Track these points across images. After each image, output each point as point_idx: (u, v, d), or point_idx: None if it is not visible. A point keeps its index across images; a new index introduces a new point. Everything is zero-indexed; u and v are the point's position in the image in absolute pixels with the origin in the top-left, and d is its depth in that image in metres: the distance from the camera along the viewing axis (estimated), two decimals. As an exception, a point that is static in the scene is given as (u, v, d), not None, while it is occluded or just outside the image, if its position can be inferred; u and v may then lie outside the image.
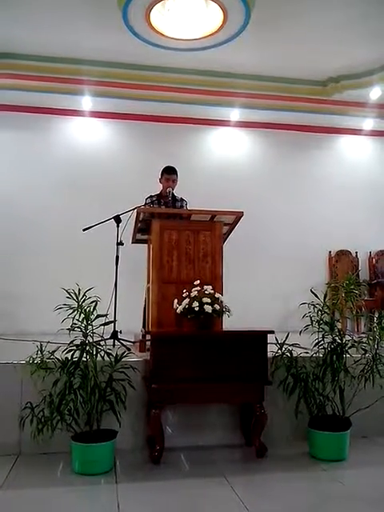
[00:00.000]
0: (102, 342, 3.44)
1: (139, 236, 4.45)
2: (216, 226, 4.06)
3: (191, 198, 5.13)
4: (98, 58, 6.26)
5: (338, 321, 3.56)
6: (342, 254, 7.56)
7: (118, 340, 4.24)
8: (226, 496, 2.69)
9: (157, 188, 5.13)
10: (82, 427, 3.09)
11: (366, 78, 6.64)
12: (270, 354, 3.43)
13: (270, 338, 3.41)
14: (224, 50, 5.99)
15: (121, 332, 4.33)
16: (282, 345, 3.52)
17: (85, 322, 3.12)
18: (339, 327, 3.52)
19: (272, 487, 2.88)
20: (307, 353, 3.54)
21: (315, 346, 3.45)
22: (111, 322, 3.61)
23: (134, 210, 4.26)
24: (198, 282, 3.58)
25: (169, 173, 5.05)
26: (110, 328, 3.90)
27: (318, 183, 7.69)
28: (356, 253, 7.58)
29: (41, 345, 3.16)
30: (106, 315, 3.28)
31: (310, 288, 3.57)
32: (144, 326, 4.49)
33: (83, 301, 3.15)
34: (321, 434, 3.30)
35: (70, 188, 6.94)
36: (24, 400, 3.18)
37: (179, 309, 3.46)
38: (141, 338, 4.10)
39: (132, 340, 4.33)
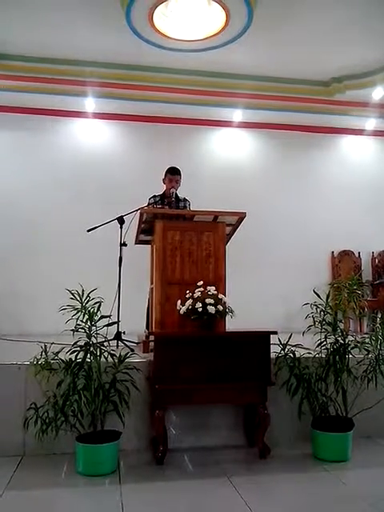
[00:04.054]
0: (106, 343, 3.46)
1: (143, 237, 4.45)
2: (219, 227, 4.06)
3: (194, 198, 5.14)
4: (100, 59, 6.29)
5: (340, 321, 3.56)
6: (345, 255, 7.57)
7: (122, 341, 4.26)
8: (230, 496, 2.70)
9: (160, 188, 5.14)
10: (86, 428, 3.10)
11: (368, 78, 6.64)
12: (273, 355, 3.44)
13: (273, 338, 3.41)
14: (226, 51, 6.00)
15: (124, 333, 4.34)
16: (284, 345, 3.53)
17: (88, 323, 3.14)
18: (342, 328, 3.52)
19: (275, 488, 2.89)
20: (310, 353, 3.54)
21: (318, 346, 3.45)
22: (115, 322, 3.61)
23: (137, 210, 4.27)
24: (201, 282, 3.59)
25: (172, 173, 5.06)
26: (113, 329, 3.91)
27: (321, 183, 7.70)
28: (359, 253, 7.58)
29: (45, 346, 3.18)
30: (109, 316, 3.29)
31: (313, 288, 3.58)
32: (147, 327, 4.49)
33: (87, 302, 3.16)
34: (324, 435, 3.30)
35: (73, 189, 6.97)
36: (28, 401, 3.20)
37: (182, 310, 3.48)
38: (144, 338, 4.10)
39: (135, 341, 4.34)
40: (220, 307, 3.41)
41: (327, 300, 3.50)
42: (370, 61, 6.35)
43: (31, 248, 6.72)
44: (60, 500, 2.71)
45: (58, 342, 3.31)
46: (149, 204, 4.93)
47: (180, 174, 5.08)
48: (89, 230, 4.66)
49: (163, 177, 5.11)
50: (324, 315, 3.47)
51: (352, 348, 3.45)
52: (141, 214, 4.09)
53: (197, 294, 3.47)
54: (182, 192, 5.14)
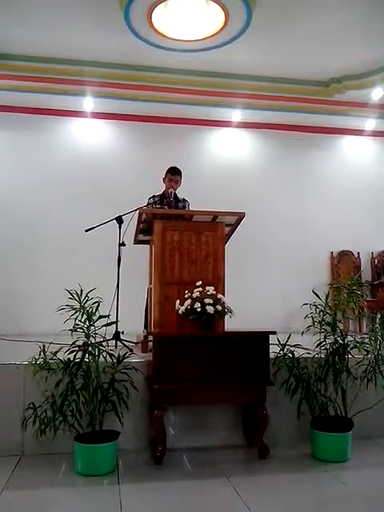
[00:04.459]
0: (105, 343, 3.45)
1: (141, 237, 4.44)
2: (218, 227, 4.06)
3: (193, 198, 5.13)
4: (99, 58, 6.28)
5: (340, 321, 3.56)
6: (344, 255, 7.57)
7: (121, 341, 4.25)
8: (229, 497, 2.69)
9: (158, 188, 5.13)
10: (84, 428, 3.09)
11: (367, 78, 6.64)
12: (272, 355, 3.43)
13: (272, 338, 3.41)
14: (226, 51, 6.00)
15: (123, 333, 4.33)
16: (284, 345, 3.53)
17: (87, 323, 3.13)
18: (341, 328, 3.52)
19: (274, 488, 2.88)
20: (309, 353, 3.54)
21: (317, 346, 3.45)
22: (113, 322, 3.61)
23: (135, 210, 4.26)
24: (200, 282, 3.59)
25: (173, 173, 5.07)
26: (112, 329, 3.90)
27: (320, 184, 7.69)
28: (358, 253, 7.58)
29: (43, 345, 3.17)
30: (108, 316, 3.30)
31: (312, 289, 3.57)
32: (146, 327, 4.49)
33: (85, 302, 3.16)
34: (323, 435, 3.30)
35: (71, 189, 6.96)
36: (27, 401, 3.19)
37: (181, 310, 3.47)
38: (143, 338, 4.10)
39: (134, 341, 4.33)
40: (219, 307, 3.40)
41: (326, 300, 3.49)
42: (369, 61, 6.35)
43: (30, 248, 6.71)
44: (58, 500, 2.70)
45: (57, 341, 3.32)
46: (148, 204, 4.93)
47: (180, 175, 5.09)
48: (87, 230, 4.65)
49: (164, 176, 5.12)
50: (323, 315, 3.46)
51: (351, 348, 3.45)
52: (139, 214, 4.08)
53: (195, 294, 3.46)
54: (181, 192, 5.15)
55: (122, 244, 4.60)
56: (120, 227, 4.62)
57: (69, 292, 3.15)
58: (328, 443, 3.30)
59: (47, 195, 6.94)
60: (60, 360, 3.12)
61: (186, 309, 3.43)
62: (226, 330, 3.79)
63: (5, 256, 6.66)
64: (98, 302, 3.16)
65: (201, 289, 3.50)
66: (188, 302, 3.44)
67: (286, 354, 3.50)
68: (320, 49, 6.05)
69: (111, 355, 3.23)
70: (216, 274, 3.96)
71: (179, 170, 5.10)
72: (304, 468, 3.18)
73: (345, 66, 6.51)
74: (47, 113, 7.05)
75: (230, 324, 3.74)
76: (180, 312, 3.49)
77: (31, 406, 3.08)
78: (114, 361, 3.24)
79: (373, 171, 7.93)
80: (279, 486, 2.90)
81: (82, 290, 3.18)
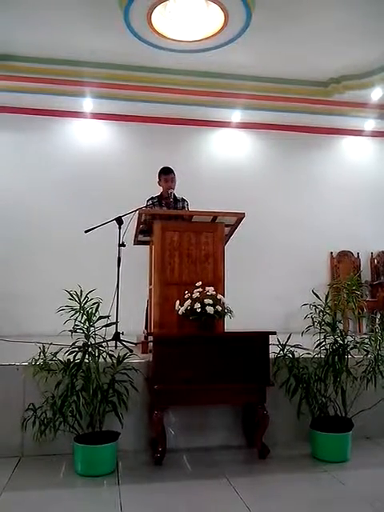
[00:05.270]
0: (105, 344, 3.44)
1: (141, 237, 4.45)
2: (218, 228, 4.06)
3: (192, 198, 5.13)
4: (98, 59, 6.29)
5: (339, 322, 3.56)
6: (344, 255, 7.57)
7: (120, 341, 4.24)
8: (229, 497, 2.69)
9: (158, 189, 5.13)
10: (84, 429, 3.09)
11: (366, 78, 6.65)
12: (271, 355, 3.43)
13: (272, 339, 3.40)
14: (225, 52, 6.01)
15: (123, 333, 4.33)
16: (283, 346, 3.52)
17: (87, 324, 3.13)
18: (341, 328, 3.52)
19: (274, 488, 2.88)
20: (309, 354, 3.53)
21: (317, 347, 3.45)
22: (113, 323, 3.61)
23: (135, 211, 4.27)
24: (200, 283, 3.58)
25: (166, 173, 5.06)
26: (112, 329, 3.90)
27: (320, 184, 7.70)
28: (358, 253, 7.59)
29: (43, 346, 3.17)
30: (108, 317, 3.29)
31: (312, 289, 3.57)
32: (146, 328, 4.49)
33: (85, 302, 3.15)
34: (323, 435, 3.29)
35: (71, 189, 6.96)
36: (26, 402, 3.18)
37: (181, 310, 3.47)
38: (143, 339, 4.10)
39: (134, 341, 4.33)
40: (219, 308, 3.41)
41: (326, 300, 3.49)
42: (368, 61, 6.36)
43: (30, 248, 6.72)
44: (58, 501, 2.69)
45: (57, 342, 3.31)
46: (147, 206, 4.92)
47: (173, 173, 5.08)
48: (87, 231, 4.65)
49: (157, 180, 5.10)
50: (323, 316, 3.46)
51: (351, 348, 3.45)
52: (139, 215, 4.09)
53: (195, 294, 3.46)
54: (181, 193, 5.14)
55: (121, 245, 4.60)
56: (120, 228, 4.62)
57: (68, 293, 3.14)
58: (328, 443, 3.30)
59: (47, 196, 6.95)
60: (60, 361, 3.12)
61: (186, 309, 3.43)
62: (225, 330, 3.80)
63: (4, 257, 6.66)
64: (98, 303, 3.15)
65: (201, 289, 3.50)
66: (188, 302, 3.44)
67: (285, 355, 3.50)
68: (320, 49, 6.06)
69: (111, 356, 3.23)
70: (216, 275, 3.96)
71: (171, 169, 5.09)
72: (304, 468, 3.18)
73: (344, 67, 6.52)
74: (47, 113, 7.06)
75: (230, 324, 3.74)
76: (180, 312, 3.49)
77: (31, 406, 3.08)
78: (114, 361, 3.23)
79: (373, 171, 7.94)
80: (279, 487, 2.90)
81: (81, 291, 3.18)
